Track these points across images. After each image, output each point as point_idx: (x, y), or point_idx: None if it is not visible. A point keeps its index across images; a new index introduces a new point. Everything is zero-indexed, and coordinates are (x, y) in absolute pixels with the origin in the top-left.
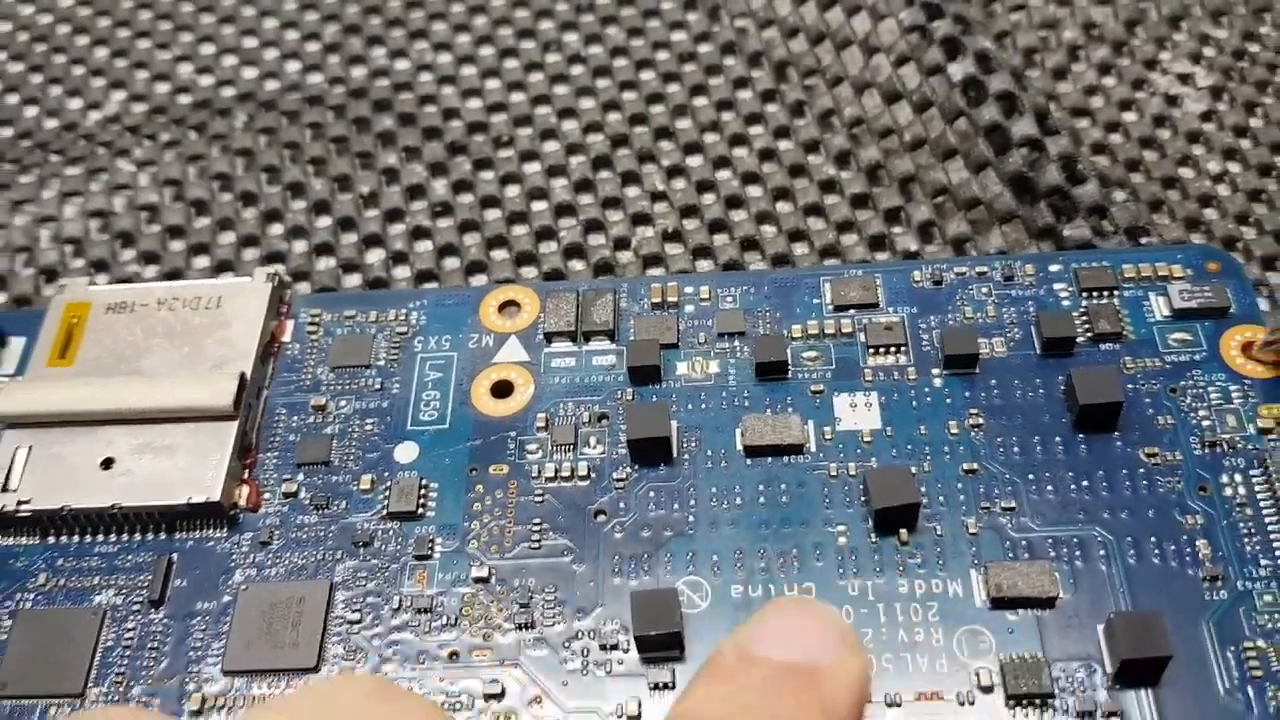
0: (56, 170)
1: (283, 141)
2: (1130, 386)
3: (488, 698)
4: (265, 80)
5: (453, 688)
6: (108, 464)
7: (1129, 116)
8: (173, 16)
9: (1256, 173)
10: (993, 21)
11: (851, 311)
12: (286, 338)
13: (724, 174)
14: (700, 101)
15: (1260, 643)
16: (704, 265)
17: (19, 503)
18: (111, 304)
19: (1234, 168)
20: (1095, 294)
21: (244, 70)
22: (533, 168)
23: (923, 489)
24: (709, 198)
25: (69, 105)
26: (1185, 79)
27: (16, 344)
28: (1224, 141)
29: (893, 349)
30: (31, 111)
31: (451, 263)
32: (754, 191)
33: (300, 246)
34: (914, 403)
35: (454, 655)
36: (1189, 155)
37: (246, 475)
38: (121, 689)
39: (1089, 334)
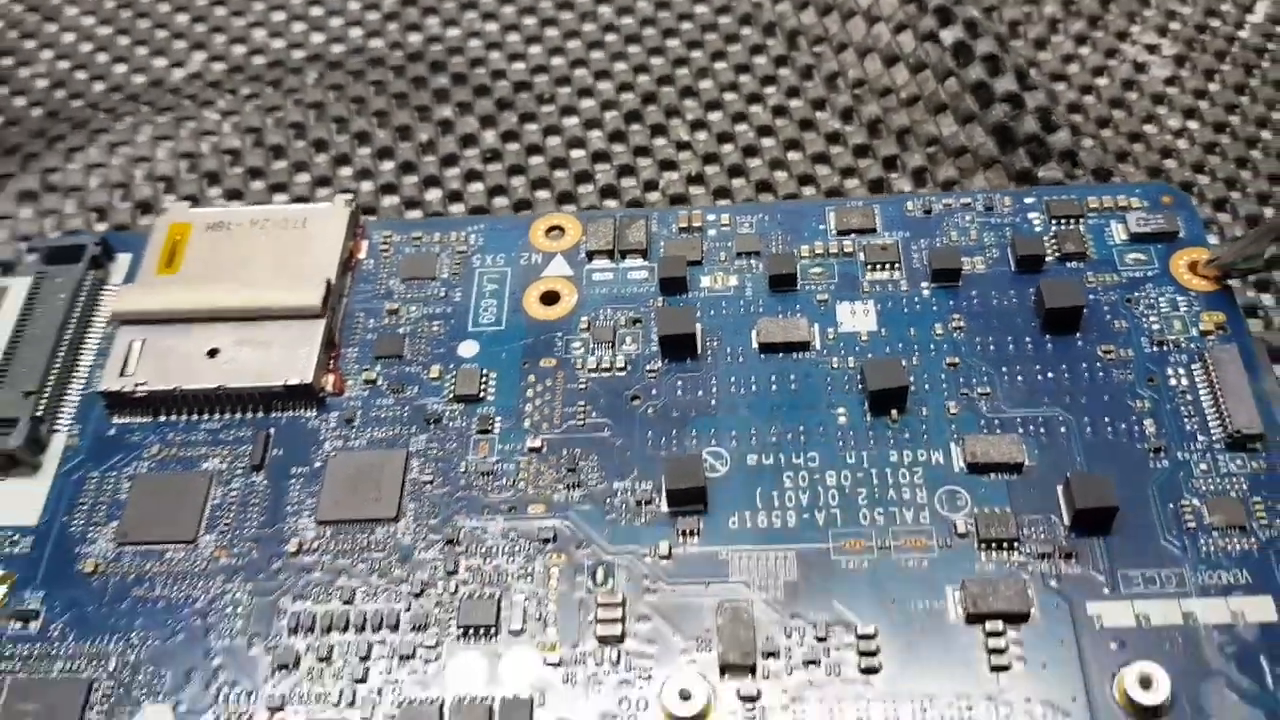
0: (149, 118)
1: (349, 96)
2: (1091, 297)
3: (543, 541)
4: (331, 44)
5: (513, 532)
6: (213, 353)
7: (1101, 81)
8: None
9: (1212, 129)
10: None
11: (852, 235)
12: (362, 255)
13: (741, 127)
14: (720, 65)
15: (1195, 501)
16: (724, 204)
17: (136, 385)
18: (210, 223)
19: (1192, 125)
20: (1063, 221)
21: (312, 35)
22: (571, 121)
23: (911, 379)
24: (728, 147)
25: (154, 63)
26: (1152, 49)
27: (123, 259)
28: (1184, 102)
29: (887, 265)
30: (121, 68)
31: (500, 201)
32: (768, 142)
33: (367, 186)
34: (905, 310)
35: (512, 509)
36: (1153, 114)
37: (332, 365)
38: (228, 536)
39: (1057, 253)
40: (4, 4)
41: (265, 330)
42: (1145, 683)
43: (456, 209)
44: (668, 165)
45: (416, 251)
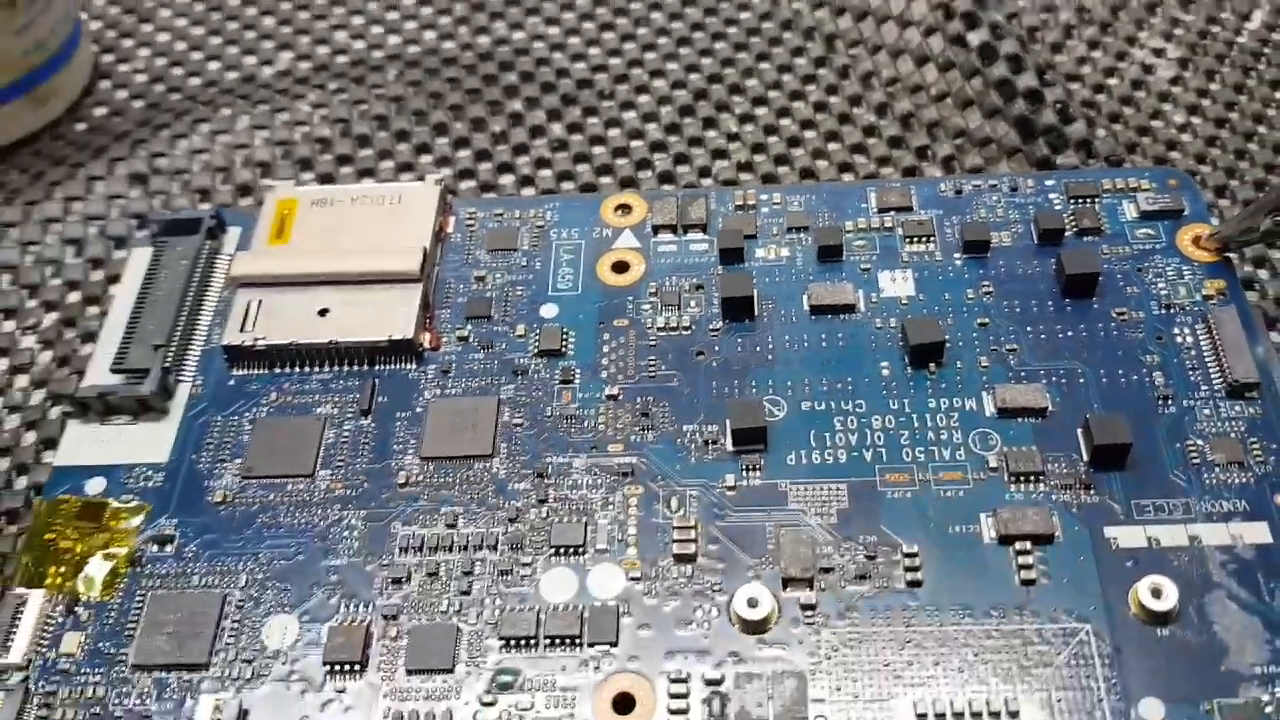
0: (245, 110)
1: (428, 92)
2: (1105, 266)
3: (623, 474)
4: (408, 46)
5: (595, 467)
6: (323, 313)
7: (1112, 80)
8: None
9: (1213, 124)
10: (1002, 6)
11: (891, 213)
12: (450, 229)
13: (785, 121)
14: (764, 65)
15: (1199, 441)
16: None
17: (255, 339)
18: (315, 199)
19: (1195, 120)
20: (1081, 200)
21: (389, 37)
22: (630, 114)
23: (946, 336)
24: (773, 139)
25: (245, 61)
26: (1159, 52)
27: (234, 232)
28: (1188, 100)
29: (924, 239)
30: (214, 65)
31: (568, 185)
32: (809, 134)
33: (446, 171)
34: (940, 277)
35: (594, 448)
36: (1159, 110)
37: (428, 324)
38: (343, 471)
39: (1075, 228)
40: (102, 5)
41: (369, 293)
42: (1156, 593)
43: (528, 192)
44: (719, 154)
45: (500, 226)
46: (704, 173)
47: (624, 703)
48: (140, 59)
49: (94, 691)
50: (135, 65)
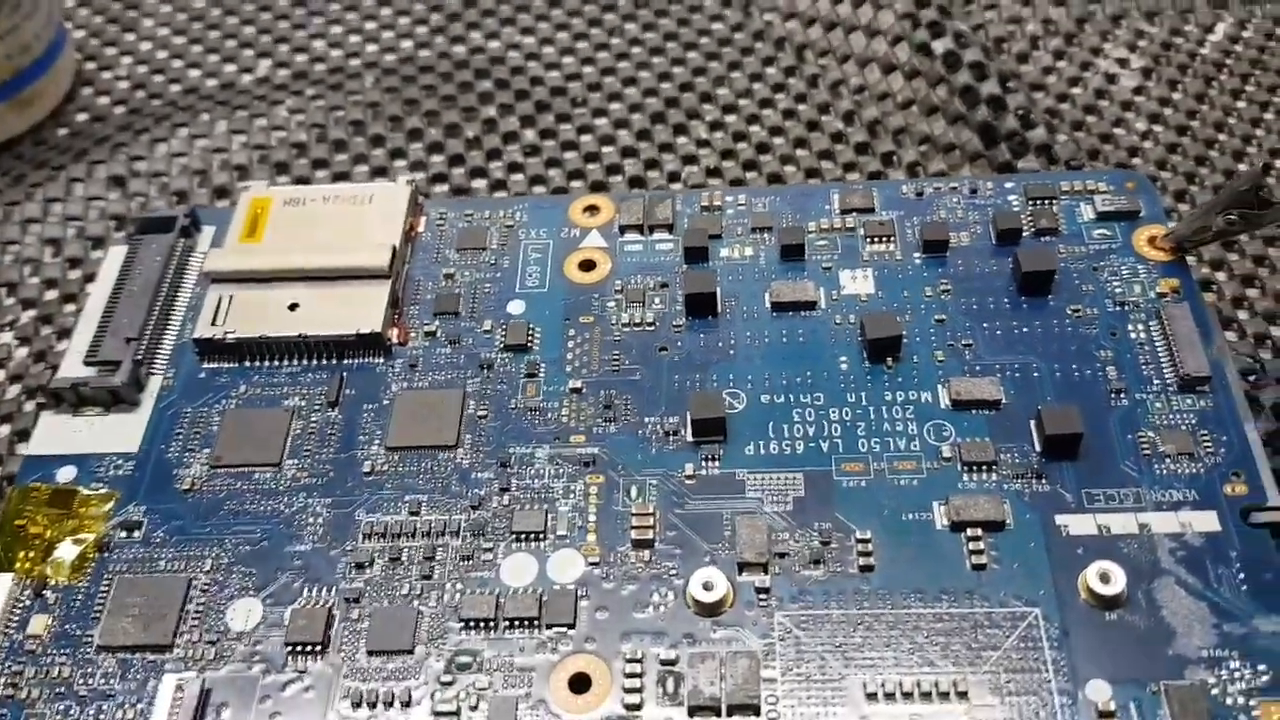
0: (224, 115)
1: (403, 99)
2: (1062, 264)
3: (585, 464)
4: (385, 54)
5: (558, 457)
6: (293, 307)
7: (1076, 90)
8: (303, 1)
9: (1175, 131)
10: (969, 17)
11: (854, 214)
12: (421, 229)
13: (754, 128)
14: (735, 74)
15: (1150, 433)
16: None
17: (226, 332)
18: (288, 199)
19: (1157, 128)
20: (1039, 202)
21: (367, 45)
22: (601, 121)
23: (904, 331)
24: (743, 144)
25: (225, 69)
26: (1123, 63)
27: (208, 231)
28: (1150, 109)
29: (884, 239)
30: (195, 73)
31: (539, 189)
32: (778, 140)
33: (420, 175)
34: (899, 275)
35: (557, 438)
36: (1122, 118)
37: (396, 319)
38: (310, 460)
39: (1032, 228)
40: (85, 15)
41: (339, 288)
42: (1104, 578)
43: (500, 196)
44: (689, 160)
45: (469, 225)
46: (673, 178)
47: (580, 682)
48: (122, 66)
49: (59, 672)
50: (117, 72)
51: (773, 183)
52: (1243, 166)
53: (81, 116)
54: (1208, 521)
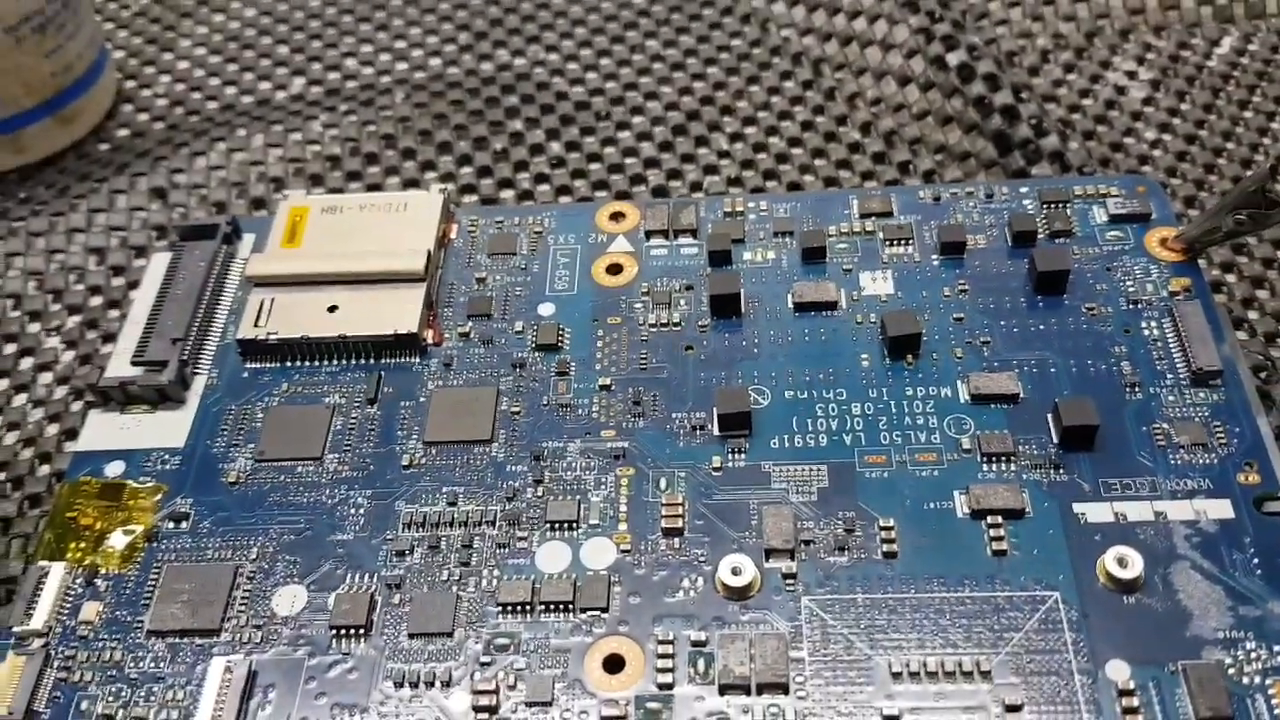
0: (260, 130)
1: (433, 113)
2: (1076, 265)
3: (615, 457)
4: (415, 71)
5: (589, 451)
6: (332, 309)
7: (1087, 101)
8: (335, 23)
9: (1184, 141)
10: (980, 32)
11: (873, 218)
12: (453, 235)
13: (774, 139)
14: (754, 88)
15: (1164, 425)
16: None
17: (268, 333)
18: (325, 207)
19: (1166, 137)
20: (1053, 205)
21: (397, 64)
22: (625, 134)
23: (922, 329)
24: (762, 155)
25: (260, 86)
26: (1131, 75)
27: (248, 238)
28: (1159, 119)
29: (903, 241)
30: (231, 90)
31: (565, 200)
32: (796, 151)
33: (450, 186)
34: (918, 277)
35: (587, 433)
36: (1132, 128)
37: (431, 321)
38: (350, 454)
39: (1047, 231)
40: (125, 36)
41: (376, 291)
42: (1122, 562)
43: (528, 205)
44: (710, 170)
45: (500, 231)
46: (695, 187)
47: (614, 663)
48: (161, 84)
49: (110, 655)
50: (156, 90)
51: (791, 190)
52: (1250, 173)
53: (122, 132)
54: (1222, 509)
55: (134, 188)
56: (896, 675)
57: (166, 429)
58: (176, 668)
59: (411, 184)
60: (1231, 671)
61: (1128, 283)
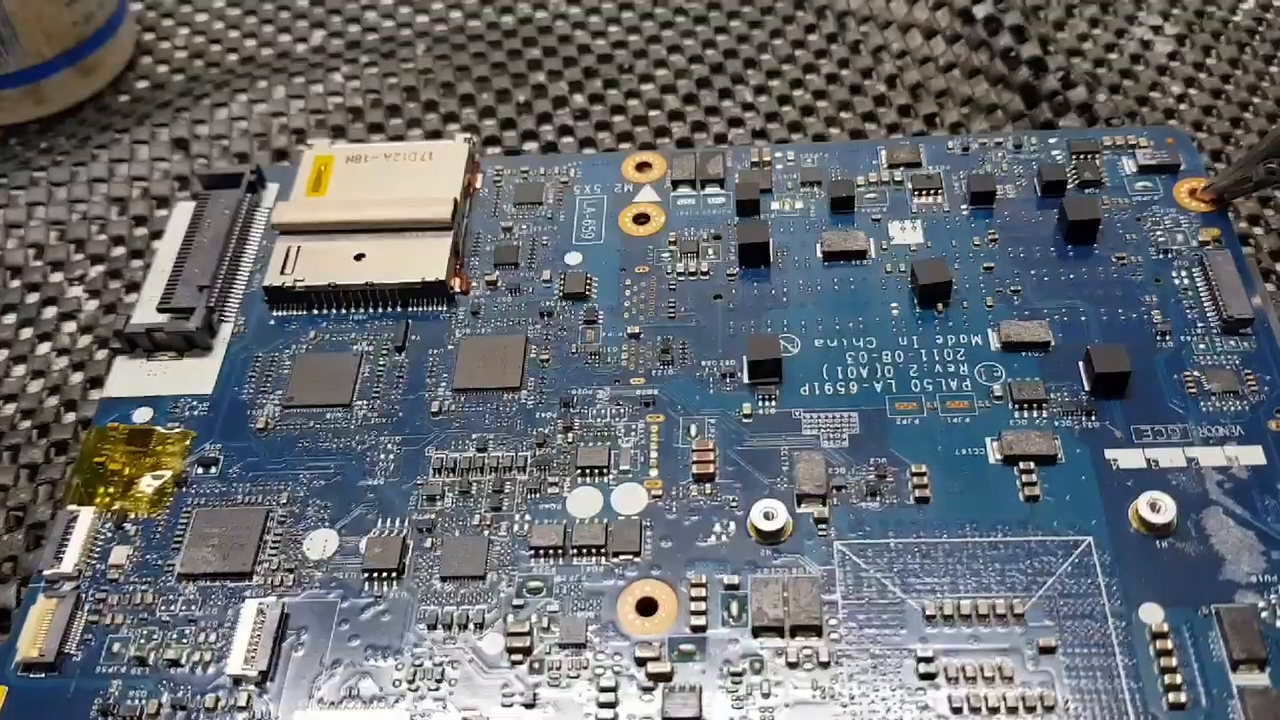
0: (282, 81)
1: (455, 65)
2: (1105, 215)
3: (645, 404)
4: (435, 24)
5: (619, 398)
6: (359, 257)
7: (1112, 56)
8: None
9: (1210, 94)
10: None
11: (901, 168)
12: (479, 185)
13: (798, 92)
14: (778, 41)
15: (1195, 373)
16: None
17: (295, 281)
18: (350, 156)
19: (1193, 91)
20: (1082, 156)
21: (418, 16)
22: (648, 87)
23: (953, 279)
24: (787, 108)
25: (280, 39)
26: (1157, 29)
27: (272, 188)
28: (1185, 73)
29: (932, 192)
30: (251, 43)
31: (589, 152)
32: (822, 104)
33: (473, 138)
34: (947, 226)
35: (617, 380)
36: (1158, 82)
37: (459, 269)
38: (379, 400)
39: (1076, 181)
40: None
41: (403, 239)
42: (1155, 507)
43: (553, 156)
44: (735, 122)
45: (526, 181)
46: (720, 139)
47: (647, 606)
48: (180, 37)
49: (142, 598)
50: (176, 42)
51: (817, 142)
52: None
53: (142, 84)
54: (1254, 455)
55: (155, 139)
56: (930, 618)
57: (194, 376)
58: (209, 610)
59: (434, 136)
60: (1265, 615)
61: (1157, 233)
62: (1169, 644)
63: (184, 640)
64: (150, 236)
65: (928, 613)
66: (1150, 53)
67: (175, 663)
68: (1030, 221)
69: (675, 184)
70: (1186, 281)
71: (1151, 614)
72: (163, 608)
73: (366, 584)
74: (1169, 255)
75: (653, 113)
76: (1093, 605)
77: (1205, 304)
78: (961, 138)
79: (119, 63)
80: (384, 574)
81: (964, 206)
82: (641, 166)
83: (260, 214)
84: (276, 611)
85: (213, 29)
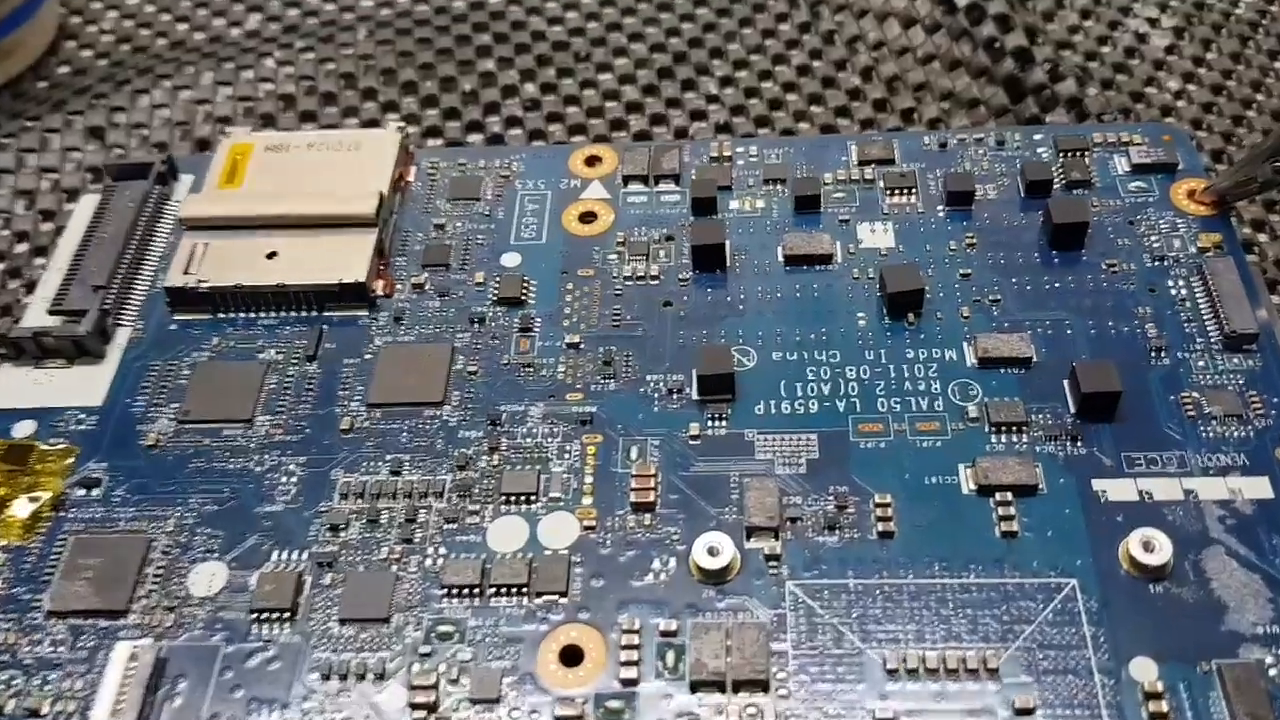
0: (210, 67)
1: (398, 50)
2: (1095, 218)
3: (582, 423)
4: (381, 8)
5: (552, 415)
6: (271, 256)
7: (1105, 49)
8: None
9: (1210, 91)
10: None
11: (873, 165)
12: (412, 178)
13: (767, 84)
14: (747, 30)
15: (1194, 394)
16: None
17: (198, 281)
18: (270, 145)
19: (1191, 87)
20: (1070, 154)
21: (362, 0)
22: (606, 76)
23: (925, 285)
24: (755, 101)
25: (214, 23)
26: (1153, 22)
27: (186, 179)
28: (1184, 67)
29: (905, 191)
30: (183, 27)
31: (539, 144)
32: (792, 97)
33: (413, 130)
34: (921, 229)
35: (552, 395)
36: (1154, 77)
37: (382, 270)
38: (284, 417)
39: (1063, 180)
40: None
41: (322, 237)
42: (1148, 546)
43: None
44: (697, 115)
45: (463, 175)
46: (681, 134)
47: (572, 655)
48: (109, 20)
49: (4, 639)
50: (103, 25)
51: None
52: None
53: (63, 70)
54: (1260, 488)
55: (69, 127)
56: (892, 672)
57: (84, 385)
58: (76, 653)
59: (371, 125)
60: (1273, 672)
61: (1152, 238)
62: (1164, 705)
63: (47, 687)
64: (56, 232)
65: (889, 666)
66: (1146, 46)
67: (35, 713)
68: (1012, 224)
69: (626, 180)
70: (1184, 292)
71: (1144, 670)
72: (26, 649)
73: (254, 626)
74: (1165, 262)
75: (609, 104)
76: (1077, 659)
77: (1205, 317)
78: (939, 133)
79: (39, 45)
80: (275, 614)
81: (940, 208)
82: (591, 161)
83: (171, 208)
84: (151, 656)
85: (143, 12)
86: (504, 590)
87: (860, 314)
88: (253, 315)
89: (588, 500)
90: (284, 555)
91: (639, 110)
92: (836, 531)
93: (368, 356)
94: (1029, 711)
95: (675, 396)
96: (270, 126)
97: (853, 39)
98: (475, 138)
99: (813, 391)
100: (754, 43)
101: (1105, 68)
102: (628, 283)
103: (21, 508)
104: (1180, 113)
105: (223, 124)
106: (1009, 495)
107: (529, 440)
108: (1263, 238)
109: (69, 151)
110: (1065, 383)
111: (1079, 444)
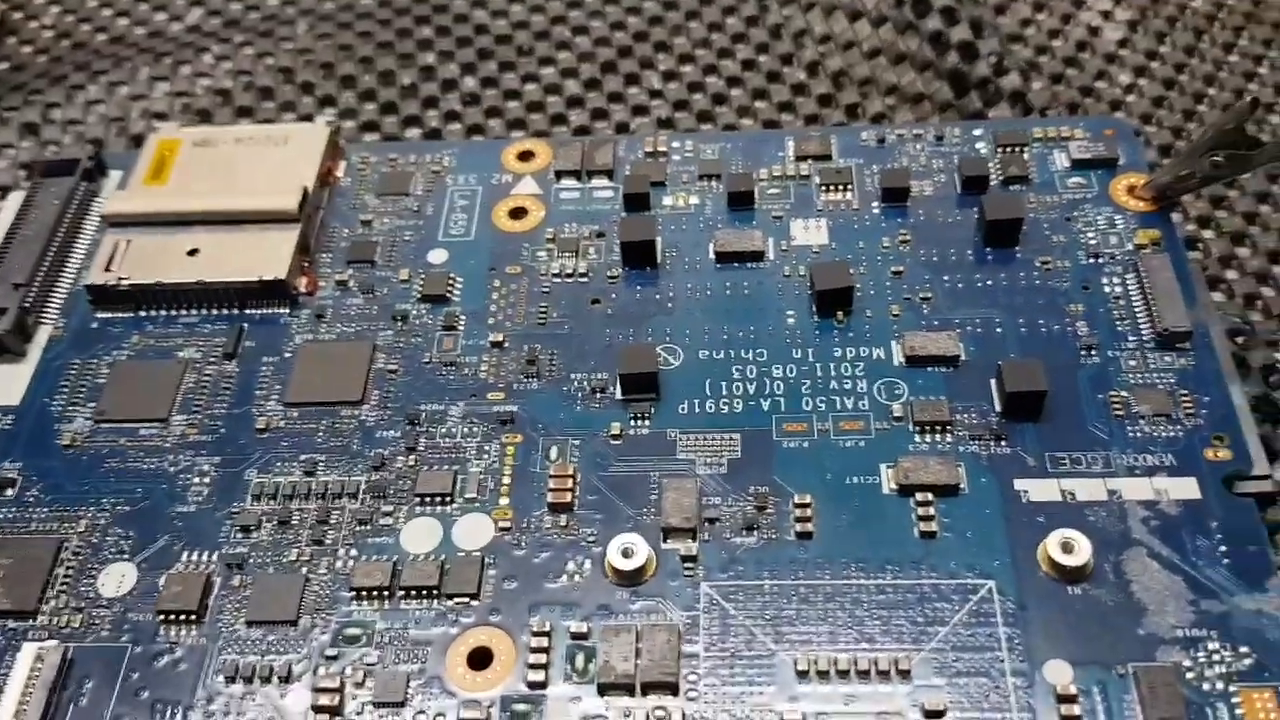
0: (148, 62)
1: (337, 44)
2: (1032, 215)
3: (502, 422)
4: (323, 2)
5: (472, 415)
6: (193, 253)
7: (1056, 43)
8: None
9: (1161, 85)
10: None
11: (809, 161)
12: (341, 174)
13: (711, 79)
14: (694, 24)
15: (1123, 393)
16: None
17: (119, 279)
18: (198, 141)
19: (1142, 81)
20: (1009, 149)
21: None
22: (548, 70)
23: (855, 283)
24: (698, 96)
25: (155, 17)
26: (1106, 15)
27: (115, 175)
28: (1136, 61)
29: (841, 187)
30: (123, 22)
31: (477, 139)
32: (736, 92)
33: (349, 124)
34: (855, 226)
35: (473, 395)
36: (1105, 71)
37: (306, 267)
38: (200, 416)
39: (1001, 176)
40: None
41: (244, 233)
42: (1067, 547)
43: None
44: (639, 110)
45: (392, 170)
46: (622, 129)
47: (481, 658)
48: (50, 15)
49: None
50: (43, 21)
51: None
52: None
53: (1, 65)
54: (1186, 489)
55: (4, 123)
56: (802, 674)
57: (2, 384)
58: None
59: (307, 118)
60: (1190, 676)
61: (1089, 234)
62: (1077, 709)
63: None
64: None
65: (799, 667)
66: (1098, 39)
67: None
68: (947, 221)
69: (559, 175)
70: (1119, 289)
71: (1058, 673)
72: None
73: (161, 628)
74: (1100, 259)
75: (550, 98)
76: (990, 661)
77: (1139, 314)
78: (878, 128)
79: None
80: (182, 616)
81: (875, 204)
82: (524, 155)
83: (98, 205)
84: (56, 657)
85: (85, 6)
86: (415, 592)
87: (790, 312)
88: (174, 313)
89: (504, 501)
90: (194, 556)
91: (579, 105)
92: (755, 532)
93: (287, 355)
94: (939, 714)
95: (598, 396)
96: (207, 122)
97: (800, 33)
98: (413, 133)
99: (738, 390)
100: (700, 36)
101: (1056, 61)
102: (555, 280)
103: None
104: (1130, 107)
105: (158, 119)
106: (929, 495)
107: (447, 440)
108: (1208, 234)
109: (3, 148)
110: (992, 381)
111: (1003, 443)
